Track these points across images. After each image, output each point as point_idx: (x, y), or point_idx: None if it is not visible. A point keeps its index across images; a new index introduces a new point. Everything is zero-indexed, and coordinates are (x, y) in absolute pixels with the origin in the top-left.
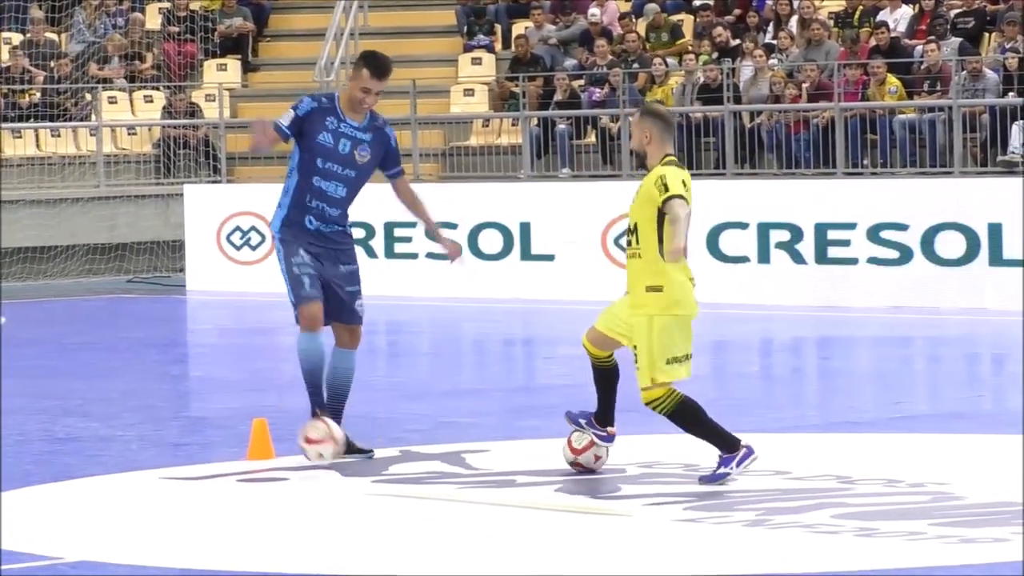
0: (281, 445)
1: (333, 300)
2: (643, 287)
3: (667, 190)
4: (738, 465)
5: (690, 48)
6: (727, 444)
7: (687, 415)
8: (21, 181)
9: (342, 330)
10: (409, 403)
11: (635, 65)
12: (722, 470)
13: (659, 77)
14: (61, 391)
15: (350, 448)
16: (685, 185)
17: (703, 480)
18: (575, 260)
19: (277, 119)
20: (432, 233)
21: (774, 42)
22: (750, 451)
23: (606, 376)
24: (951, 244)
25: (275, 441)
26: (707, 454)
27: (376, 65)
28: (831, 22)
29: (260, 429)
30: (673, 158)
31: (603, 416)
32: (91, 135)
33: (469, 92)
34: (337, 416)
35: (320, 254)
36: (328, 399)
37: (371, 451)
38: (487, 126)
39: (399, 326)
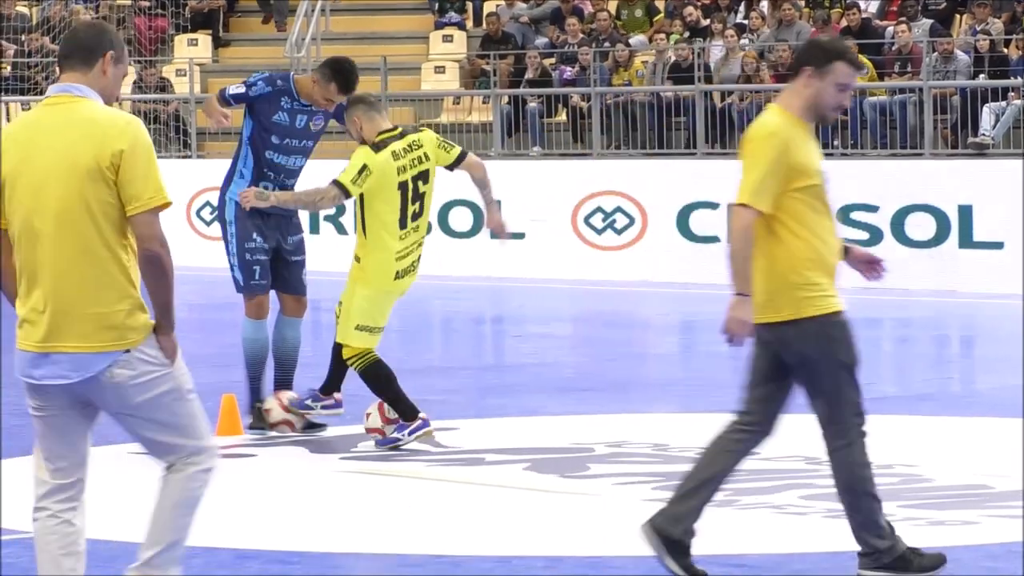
0: (250, 420)
1: (282, 270)
2: (354, 254)
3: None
4: (410, 434)
5: (661, 27)
6: (407, 413)
7: (379, 377)
8: None
9: (289, 299)
10: None
11: (606, 44)
12: (395, 435)
13: (622, 60)
14: None
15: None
16: (397, 156)
17: (378, 444)
18: (545, 238)
19: (225, 88)
20: None
21: (745, 22)
22: (425, 423)
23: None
24: (921, 226)
25: (244, 417)
26: (676, 434)
27: (345, 81)
28: (802, 2)
29: (229, 405)
30: (387, 133)
31: (331, 384)
32: None
33: (440, 69)
34: (288, 385)
35: (271, 225)
36: (278, 369)
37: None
38: (458, 103)
39: None
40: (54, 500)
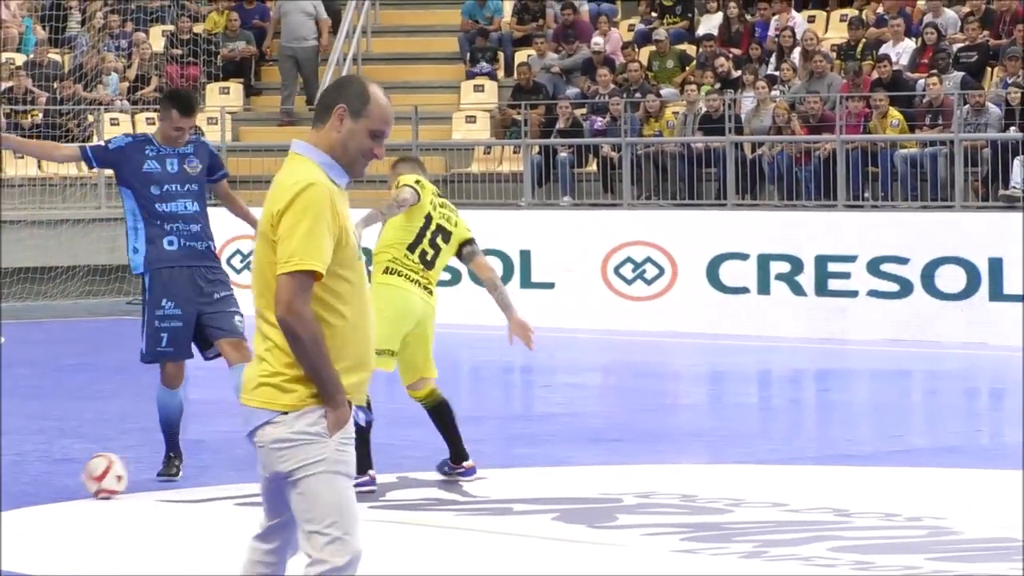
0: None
1: (208, 324)
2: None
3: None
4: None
5: (692, 78)
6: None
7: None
8: (22, 201)
9: (226, 346)
10: (407, 429)
11: (637, 95)
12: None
13: (653, 111)
14: (58, 412)
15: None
16: (435, 194)
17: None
18: (575, 288)
19: (86, 146)
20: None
21: (776, 73)
22: (372, 481)
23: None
24: (951, 278)
25: None
26: (705, 485)
27: (183, 104)
28: (833, 54)
29: None
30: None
31: (457, 454)
32: None
33: (471, 119)
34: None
35: (188, 286)
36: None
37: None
38: (488, 153)
39: None
40: (262, 548)
